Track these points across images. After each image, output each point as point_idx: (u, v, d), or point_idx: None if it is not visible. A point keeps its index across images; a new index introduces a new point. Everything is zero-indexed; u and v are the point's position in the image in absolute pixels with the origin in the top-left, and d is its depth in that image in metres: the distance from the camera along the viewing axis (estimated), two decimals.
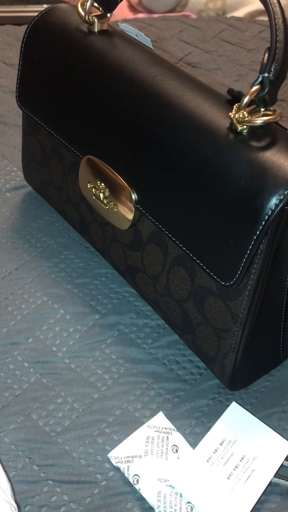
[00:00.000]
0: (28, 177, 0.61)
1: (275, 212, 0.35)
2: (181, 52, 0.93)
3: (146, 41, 0.48)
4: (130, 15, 1.17)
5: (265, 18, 1.10)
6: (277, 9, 0.36)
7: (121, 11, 1.15)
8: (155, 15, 1.08)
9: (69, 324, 0.52)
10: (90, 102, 0.46)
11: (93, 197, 0.48)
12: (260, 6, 1.17)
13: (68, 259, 0.58)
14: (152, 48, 0.48)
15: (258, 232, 0.36)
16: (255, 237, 0.36)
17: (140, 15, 1.16)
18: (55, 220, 0.62)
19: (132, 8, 1.20)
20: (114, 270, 0.56)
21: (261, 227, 0.36)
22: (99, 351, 0.50)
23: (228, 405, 0.46)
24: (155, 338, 0.51)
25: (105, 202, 0.47)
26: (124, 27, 0.50)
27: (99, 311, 0.53)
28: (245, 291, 0.40)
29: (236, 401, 0.46)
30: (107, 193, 0.47)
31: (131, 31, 0.50)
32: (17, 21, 1.05)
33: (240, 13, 1.17)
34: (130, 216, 0.46)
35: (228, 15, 1.14)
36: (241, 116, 0.37)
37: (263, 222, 0.36)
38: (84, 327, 0.52)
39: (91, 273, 0.56)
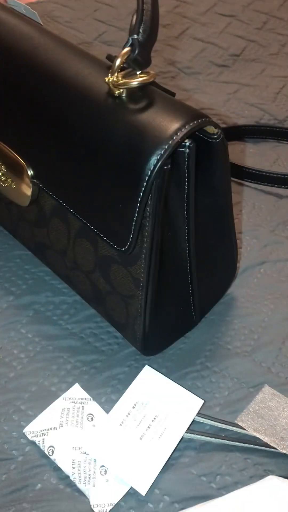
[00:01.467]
0: None
1: (154, 172, 0.36)
2: (96, 31, 0.92)
3: (33, 15, 0.48)
4: None
5: None
6: None
7: None
8: None
9: None
10: None
11: None
12: None
13: None
14: (40, 22, 0.48)
15: (141, 194, 0.36)
16: (139, 199, 0.37)
17: None
18: None
19: None
20: (28, 251, 0.56)
21: (143, 189, 0.36)
22: (14, 331, 0.50)
23: None
24: (72, 313, 0.52)
25: (2, 179, 0.47)
26: (12, 2, 0.49)
27: (13, 292, 0.53)
28: (141, 254, 0.40)
29: (151, 366, 0.47)
30: (3, 170, 0.46)
31: (19, 6, 0.49)
32: None
33: None
34: (28, 192, 0.45)
35: None
36: (115, 79, 0.37)
37: (144, 184, 0.36)
38: None
39: (5, 256, 0.56)
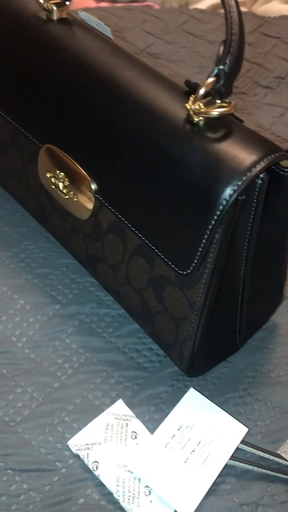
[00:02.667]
0: None
1: (230, 202, 0.36)
2: (144, 42, 0.93)
3: (106, 30, 0.48)
4: (92, 4, 1.15)
5: None
6: (232, 2, 0.37)
7: (83, 0, 1.14)
8: (118, 5, 1.08)
9: (29, 314, 0.52)
10: (48, 90, 0.46)
11: (53, 187, 0.48)
12: None
13: (28, 249, 0.57)
14: (112, 38, 0.48)
15: (213, 222, 0.37)
16: (210, 227, 0.37)
17: (103, 4, 1.15)
18: (15, 210, 0.61)
19: None
20: (75, 260, 0.56)
21: (216, 217, 0.37)
22: (59, 340, 0.50)
23: (186, 392, 0.47)
24: (115, 327, 0.52)
25: (64, 191, 0.47)
26: (84, 16, 0.50)
27: (59, 301, 0.53)
28: (202, 279, 0.41)
29: (194, 387, 0.47)
30: (66, 183, 0.47)
31: (91, 20, 0.49)
32: None
33: (203, 5, 1.17)
34: (90, 205, 0.46)
35: (191, 7, 1.14)
36: (197, 107, 0.37)
37: (218, 212, 0.36)
38: (44, 317, 0.52)
39: (52, 263, 0.56)
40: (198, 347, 0.45)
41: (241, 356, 0.51)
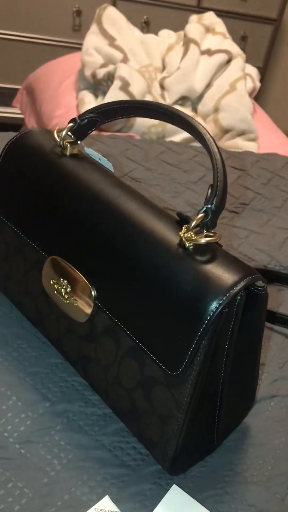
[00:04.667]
0: None
1: (215, 314, 0.43)
2: (127, 167, 1.06)
3: (109, 165, 0.58)
4: None
5: (198, 145, 1.28)
6: (218, 156, 0.47)
7: None
8: (105, 133, 1.23)
9: (20, 410, 0.55)
10: (59, 212, 0.54)
11: (55, 292, 0.54)
12: None
13: (20, 348, 0.62)
14: (113, 171, 0.58)
15: (201, 330, 0.43)
16: (199, 334, 0.44)
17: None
18: (8, 311, 0.66)
19: None
20: (63, 360, 0.61)
21: (204, 325, 0.43)
22: (48, 437, 0.53)
23: (168, 489, 0.50)
24: (101, 425, 0.55)
25: (66, 297, 0.53)
26: (89, 151, 0.60)
27: (49, 398, 0.57)
28: (189, 380, 0.46)
29: (176, 485, 0.50)
30: (68, 289, 0.53)
31: (94, 155, 0.59)
32: None
33: (177, 138, 1.34)
34: (88, 310, 0.52)
35: (167, 139, 1.31)
36: (188, 235, 0.46)
37: (206, 322, 0.43)
38: (35, 414, 0.55)
39: (42, 362, 0.61)
40: (182, 445, 0.49)
41: (217, 455, 0.55)
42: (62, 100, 1.46)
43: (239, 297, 0.45)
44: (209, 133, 0.48)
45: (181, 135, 1.35)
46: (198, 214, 0.45)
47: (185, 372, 0.45)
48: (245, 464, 0.54)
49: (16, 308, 0.66)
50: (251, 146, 1.40)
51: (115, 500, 0.49)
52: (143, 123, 1.32)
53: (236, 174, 1.12)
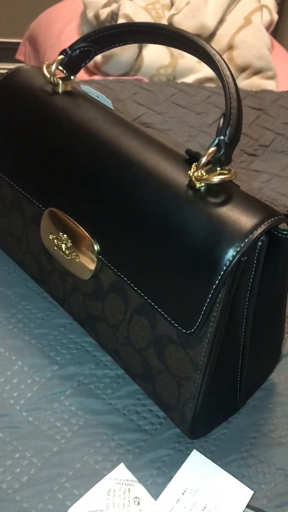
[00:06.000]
0: None
1: (232, 263, 0.37)
2: (135, 112, 0.98)
3: (107, 102, 0.51)
4: (85, 77, 1.22)
5: (213, 85, 1.18)
6: (230, 79, 0.40)
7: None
8: (110, 78, 1.14)
9: (27, 375, 0.51)
10: (54, 158, 0.48)
11: (55, 248, 0.49)
12: (207, 74, 1.26)
13: (25, 310, 0.58)
14: (113, 109, 0.51)
15: (217, 282, 0.38)
16: (214, 287, 0.38)
17: (96, 77, 1.22)
18: (12, 271, 0.62)
19: (87, 70, 1.26)
20: (72, 320, 0.57)
21: (219, 277, 0.38)
22: (58, 403, 0.50)
23: (188, 454, 0.46)
24: (114, 388, 0.52)
25: (67, 252, 0.48)
26: (86, 89, 0.53)
27: (57, 362, 0.53)
28: (205, 338, 0.41)
29: (196, 449, 0.46)
30: (69, 244, 0.48)
31: (92, 92, 0.53)
32: None
33: (189, 79, 1.25)
34: (92, 266, 0.47)
35: (178, 81, 1.22)
36: (199, 174, 0.39)
37: (222, 272, 0.38)
38: (42, 378, 0.51)
39: (49, 324, 0.56)
40: (201, 408, 0.45)
41: (241, 416, 0.50)
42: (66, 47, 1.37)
43: (259, 243, 0.39)
44: (219, 54, 0.41)
45: (194, 76, 1.26)
46: (209, 149, 0.39)
47: (201, 329, 0.40)
48: (272, 424, 0.50)
49: (20, 268, 0.61)
50: (269, 85, 1.30)
51: (131, 468, 0.45)
52: (151, 64, 1.23)
53: (254, 114, 1.03)
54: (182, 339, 0.43)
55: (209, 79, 1.27)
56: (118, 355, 0.51)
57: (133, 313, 0.47)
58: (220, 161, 0.39)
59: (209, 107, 1.03)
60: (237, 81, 1.33)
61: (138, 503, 0.42)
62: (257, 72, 1.33)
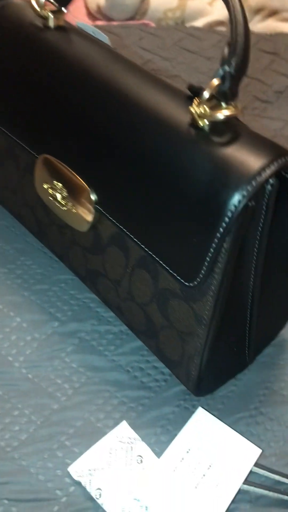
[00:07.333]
0: None
1: (239, 209, 0.34)
2: (141, 58, 0.93)
3: (104, 38, 0.47)
4: (89, 23, 1.16)
5: (224, 29, 1.11)
6: (236, 3, 0.36)
7: (80, 19, 1.14)
8: (114, 23, 1.08)
9: (26, 332, 0.49)
10: (45, 98, 0.44)
11: (50, 198, 0.46)
12: (219, 16, 1.19)
13: (25, 265, 0.55)
14: (110, 45, 0.47)
15: (221, 230, 0.35)
16: (218, 235, 0.35)
17: (99, 23, 1.15)
18: (10, 225, 0.59)
19: (90, 15, 1.19)
20: (74, 276, 0.54)
21: (224, 224, 0.35)
22: (58, 360, 0.48)
23: (194, 412, 0.44)
24: (117, 344, 0.50)
25: (62, 203, 0.45)
26: (81, 24, 0.49)
27: (58, 318, 0.51)
28: (209, 291, 0.39)
29: (202, 407, 0.45)
30: (64, 194, 0.45)
31: (87, 28, 0.48)
32: None
33: (199, 23, 1.18)
34: (89, 217, 0.44)
35: (187, 25, 1.15)
36: (201, 110, 0.36)
37: (227, 219, 0.34)
38: (42, 335, 0.49)
39: (49, 279, 0.54)
40: (206, 364, 0.42)
41: (250, 373, 0.48)
42: None
43: (269, 187, 0.35)
44: None
45: (204, 19, 1.18)
46: (212, 80, 0.35)
47: (205, 282, 0.38)
48: (283, 381, 0.48)
49: (18, 222, 0.58)
50: (286, 27, 1.22)
51: (133, 426, 0.43)
52: (158, 7, 1.16)
53: (268, 58, 0.97)
54: (185, 292, 0.40)
55: (220, 23, 1.19)
56: (121, 311, 0.48)
57: (134, 267, 0.44)
58: (225, 95, 0.35)
59: (220, 52, 0.97)
60: (251, 25, 1.25)
61: (141, 462, 0.41)
62: (272, 13, 1.24)
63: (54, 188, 0.45)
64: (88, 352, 0.49)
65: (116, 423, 0.43)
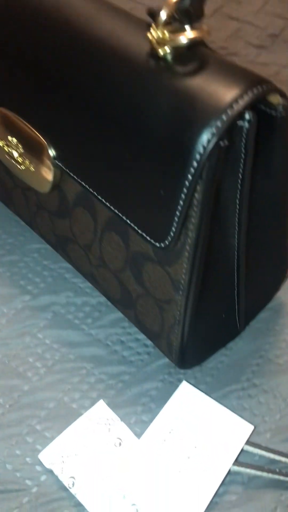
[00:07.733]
0: None
1: (208, 150, 0.29)
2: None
3: None
4: None
5: None
6: None
7: None
8: None
9: None
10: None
11: (7, 157, 0.41)
12: None
13: None
14: None
15: (190, 176, 0.29)
16: (187, 183, 0.30)
17: None
18: None
19: None
20: (47, 245, 0.49)
21: (193, 170, 0.29)
22: (30, 336, 0.43)
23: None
24: (96, 317, 0.45)
25: (19, 161, 0.40)
26: None
27: (30, 291, 0.46)
28: (184, 252, 0.33)
29: (188, 381, 0.40)
30: (20, 150, 0.40)
31: None
32: None
33: None
34: (49, 175, 0.39)
35: None
36: (160, 35, 0.30)
37: (195, 163, 0.29)
38: (12, 310, 0.45)
39: (20, 250, 0.49)
40: (189, 333, 0.38)
41: (242, 341, 0.44)
42: None
43: (246, 124, 0.30)
44: None
45: None
46: None
47: (177, 241, 0.33)
48: (279, 348, 0.43)
49: None
50: None
51: (112, 405, 0.39)
52: None
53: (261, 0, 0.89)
54: (158, 255, 0.35)
55: None
56: (95, 280, 0.44)
57: (104, 230, 0.39)
58: (188, 14, 0.29)
59: None
60: None
61: (120, 444, 0.36)
62: None
63: (9, 144, 0.40)
64: (63, 327, 0.44)
65: (93, 403, 0.39)
